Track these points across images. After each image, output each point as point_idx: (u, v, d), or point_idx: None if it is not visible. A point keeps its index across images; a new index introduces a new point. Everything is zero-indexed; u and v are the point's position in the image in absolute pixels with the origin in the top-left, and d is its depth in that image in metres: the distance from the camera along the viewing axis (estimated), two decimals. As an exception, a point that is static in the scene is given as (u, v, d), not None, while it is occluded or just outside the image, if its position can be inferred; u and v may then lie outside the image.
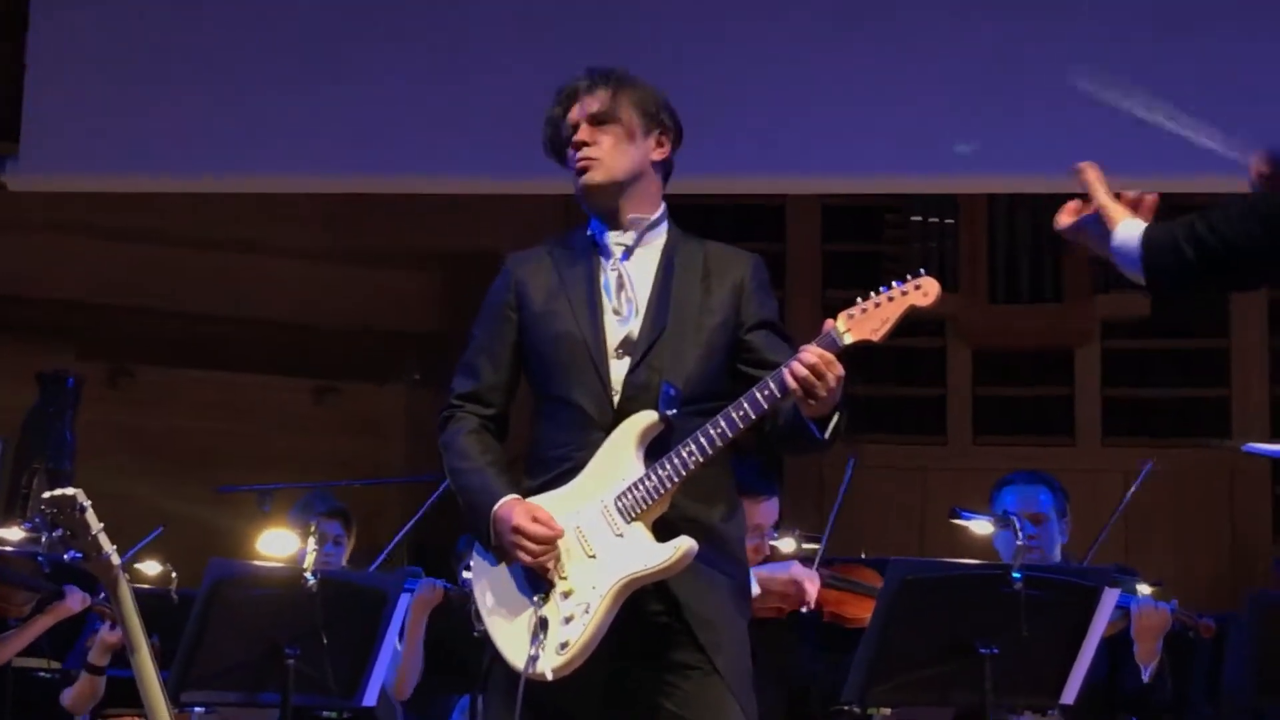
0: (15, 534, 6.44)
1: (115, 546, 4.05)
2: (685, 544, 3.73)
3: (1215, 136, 3.41)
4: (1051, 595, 4.99)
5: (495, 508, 3.84)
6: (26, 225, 9.68)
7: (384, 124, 8.35)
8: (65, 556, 4.13)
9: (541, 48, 7.99)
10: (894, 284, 3.76)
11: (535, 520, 3.79)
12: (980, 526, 5.85)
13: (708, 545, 3.78)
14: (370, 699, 5.53)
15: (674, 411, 3.79)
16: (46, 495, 4.02)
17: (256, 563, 5.83)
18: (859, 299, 3.75)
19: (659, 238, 4.02)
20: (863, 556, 6.12)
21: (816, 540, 5.90)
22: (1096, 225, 3.46)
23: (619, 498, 3.78)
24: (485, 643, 3.91)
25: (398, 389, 10.58)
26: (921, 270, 3.80)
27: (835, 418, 3.74)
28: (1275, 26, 7.79)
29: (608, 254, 3.98)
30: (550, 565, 3.79)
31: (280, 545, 6.14)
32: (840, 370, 3.67)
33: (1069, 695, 5.14)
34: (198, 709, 5.65)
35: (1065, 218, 3.54)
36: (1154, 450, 9.33)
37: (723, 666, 3.77)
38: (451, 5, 8.41)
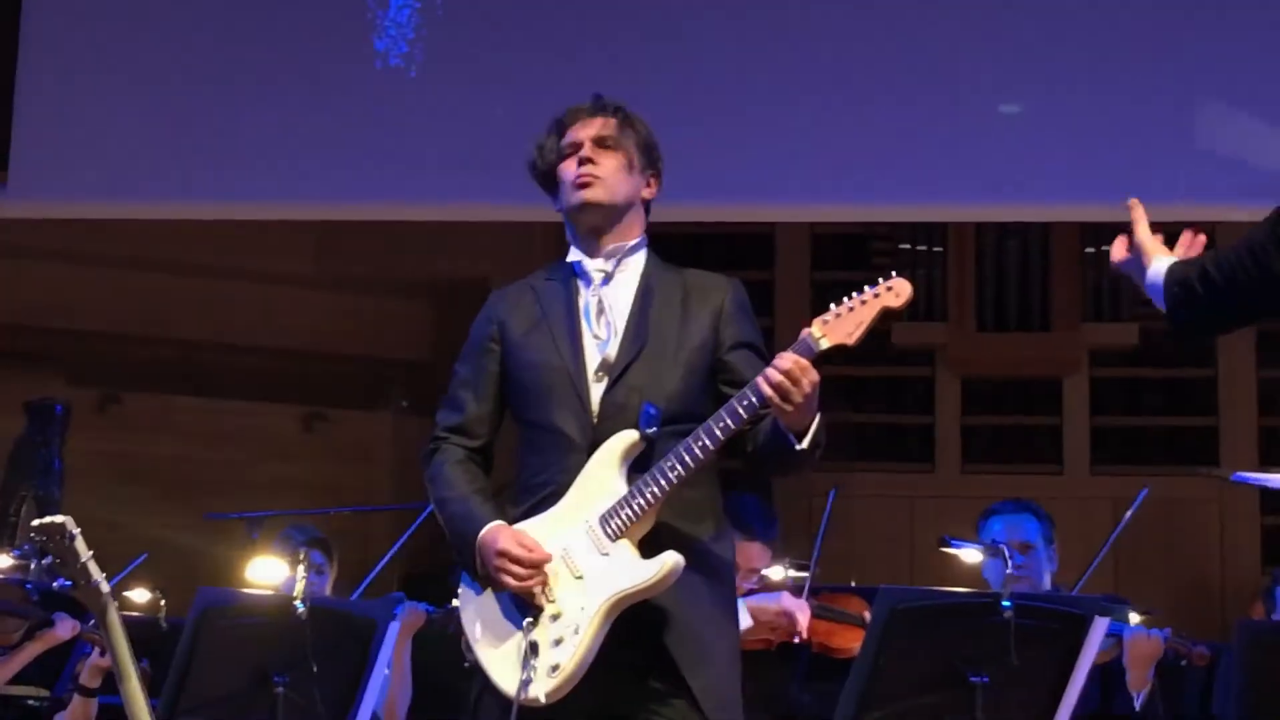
0: (4, 561, 6.42)
1: (104, 574, 4.04)
2: (671, 560, 3.73)
3: None
4: (1042, 624, 4.97)
5: (480, 535, 3.85)
6: (15, 253, 9.66)
7: (373, 151, 8.35)
8: (54, 584, 4.12)
9: (533, 77, 8.00)
10: (866, 288, 3.75)
11: (521, 545, 3.79)
12: (969, 555, 5.85)
13: (695, 565, 3.78)
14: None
15: (654, 430, 3.80)
16: (35, 523, 4.01)
17: (246, 590, 5.82)
18: (832, 304, 3.75)
19: (638, 263, 4.04)
20: (852, 585, 6.12)
21: (805, 568, 5.90)
22: (1135, 262, 3.49)
23: (604, 517, 3.79)
24: (475, 673, 3.91)
25: (386, 416, 10.58)
26: (893, 273, 3.79)
27: (814, 428, 3.74)
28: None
29: (588, 280, 4.01)
30: (538, 590, 3.79)
31: (269, 573, 6.13)
32: (816, 376, 3.68)
33: (1059, 724, 5.14)
34: (187, 736, 5.63)
35: (1118, 252, 3.57)
36: (1142, 479, 9.34)
37: (704, 690, 3.76)
38: (441, 33, 8.42)
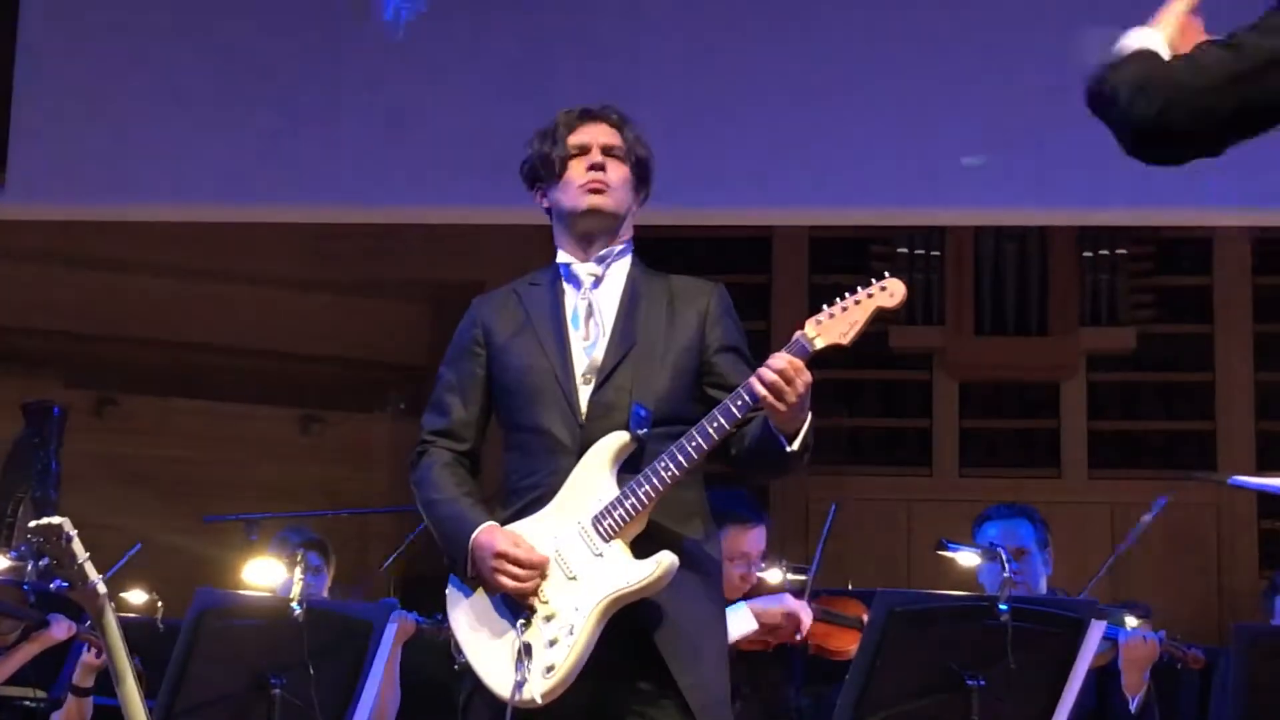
0: (1, 563, 6.42)
1: (101, 575, 4.04)
2: (666, 560, 3.73)
3: None
4: (1039, 627, 4.97)
5: (474, 536, 3.84)
6: (13, 255, 9.67)
7: (371, 154, 8.35)
8: (51, 585, 4.11)
9: (531, 81, 8.00)
10: (859, 288, 3.76)
11: (518, 546, 3.79)
12: (967, 558, 5.85)
13: (685, 565, 3.78)
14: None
15: (645, 431, 3.80)
16: (32, 524, 4.01)
17: (243, 592, 5.82)
18: (825, 305, 3.75)
19: (624, 267, 4.05)
20: (849, 588, 6.11)
21: (803, 571, 5.89)
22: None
23: (596, 518, 3.79)
24: (465, 675, 3.90)
25: (383, 418, 10.58)
26: (886, 273, 3.80)
27: (804, 430, 3.74)
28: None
29: (578, 284, 4.01)
30: (531, 593, 3.78)
31: (266, 575, 6.13)
32: (809, 377, 3.68)
33: (1056, 727, 5.14)
34: (183, 738, 5.62)
35: None
36: (1139, 483, 9.35)
37: (690, 690, 3.76)
38: (437, 37, 8.42)
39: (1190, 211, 8.51)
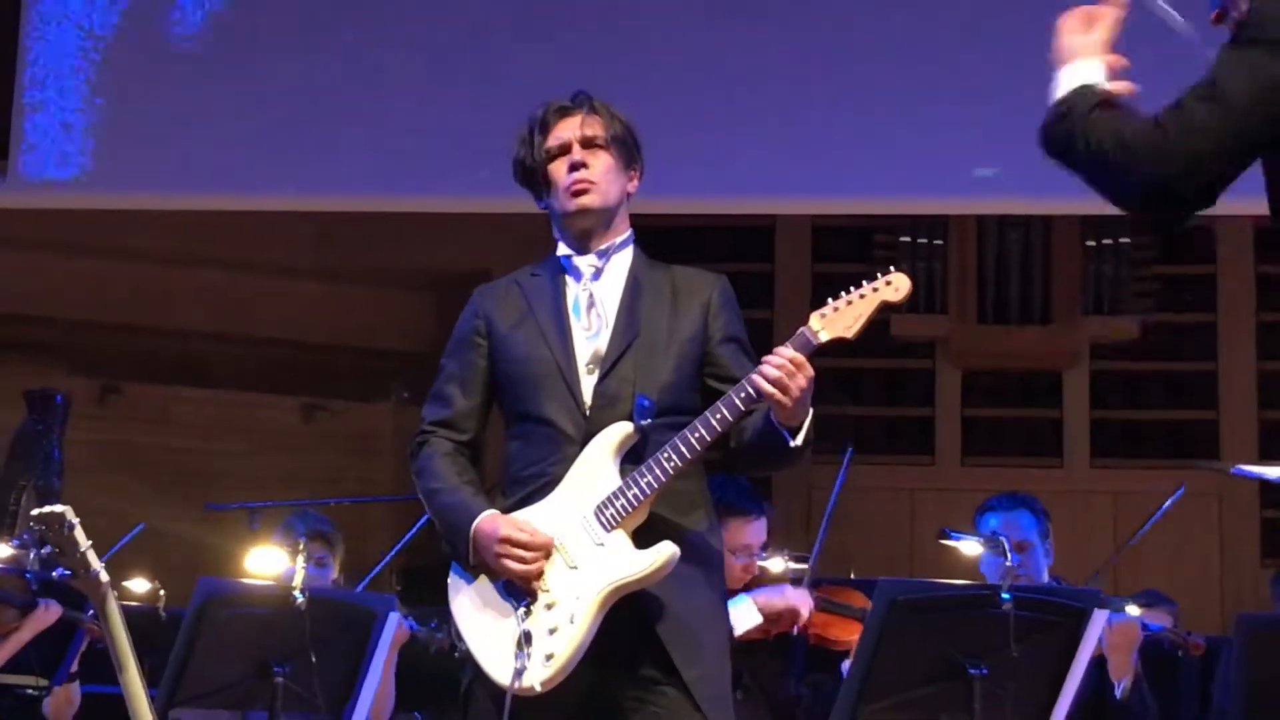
0: (3, 551, 6.42)
1: (102, 560, 4.04)
2: (668, 550, 3.74)
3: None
4: (1041, 616, 4.97)
5: (475, 523, 3.85)
6: (16, 243, 9.67)
7: (374, 143, 8.35)
8: (53, 573, 4.12)
9: (532, 69, 7.99)
10: (865, 282, 3.77)
11: (521, 530, 3.80)
12: (969, 547, 5.85)
13: (687, 556, 3.79)
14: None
15: (648, 422, 3.81)
16: (35, 512, 4.01)
17: (246, 581, 5.82)
18: (830, 299, 3.76)
19: (625, 258, 4.05)
20: (851, 577, 6.12)
21: (804, 560, 5.90)
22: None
23: (599, 508, 3.79)
24: (466, 663, 3.91)
25: (386, 407, 10.58)
26: (891, 267, 3.80)
27: (806, 424, 3.74)
28: None
29: (578, 275, 4.01)
30: (535, 576, 3.79)
31: (269, 563, 6.13)
32: (811, 372, 3.69)
33: (1058, 716, 5.13)
34: (186, 727, 5.63)
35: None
36: (1142, 473, 9.35)
37: (695, 682, 3.77)
38: (441, 25, 8.41)
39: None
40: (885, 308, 3.77)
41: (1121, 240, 10.38)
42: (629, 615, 3.77)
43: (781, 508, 8.62)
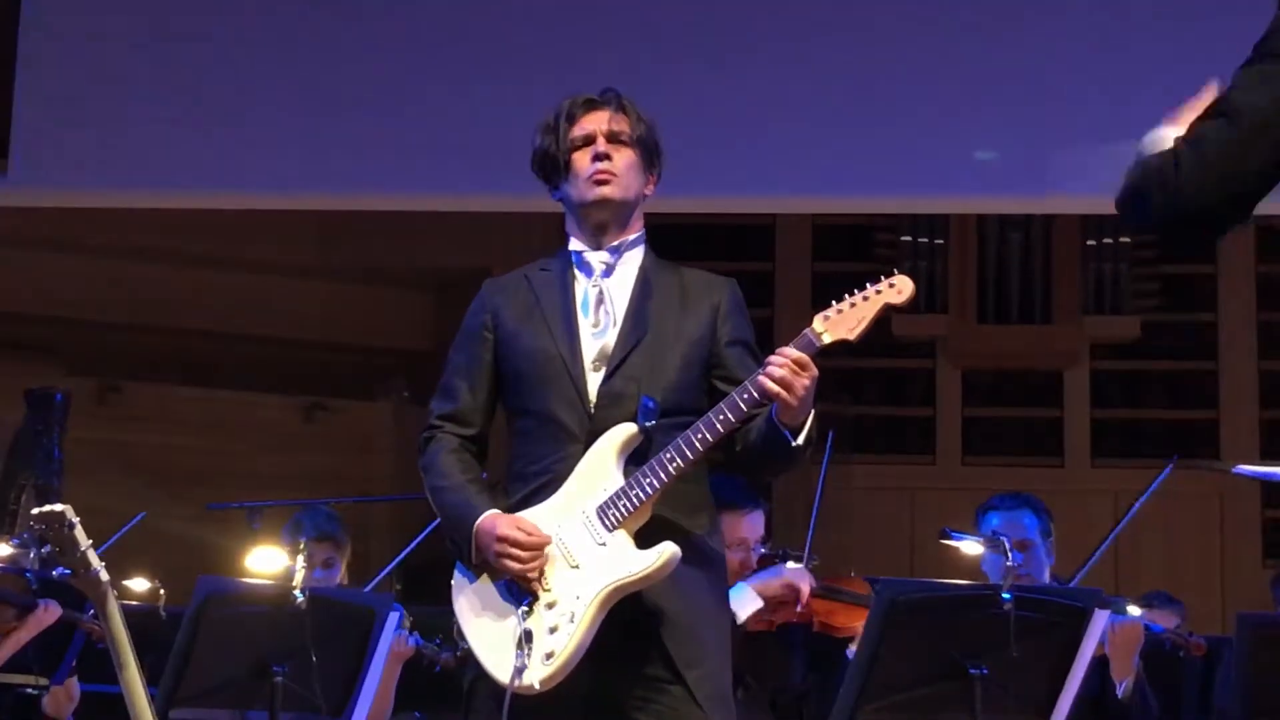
0: (3, 550, 6.42)
1: (102, 556, 4.04)
2: (669, 550, 3.74)
3: None
4: (1042, 616, 4.97)
5: (477, 522, 3.85)
6: (16, 241, 9.67)
7: (374, 141, 8.34)
8: (54, 573, 4.11)
9: (534, 67, 7.98)
10: (868, 284, 3.77)
11: (520, 529, 3.80)
12: (970, 547, 5.85)
13: (690, 558, 3.79)
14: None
15: (652, 423, 3.81)
16: (35, 511, 4.00)
17: (246, 580, 5.81)
18: (834, 301, 3.77)
19: (637, 257, 4.04)
20: (851, 576, 6.11)
21: (800, 560, 5.90)
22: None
23: (601, 508, 3.79)
24: (468, 662, 3.91)
25: (386, 406, 10.58)
26: (894, 270, 3.81)
27: (808, 425, 3.75)
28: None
29: (589, 271, 4.00)
30: (535, 576, 3.79)
31: (269, 562, 6.12)
32: (815, 372, 3.69)
33: (1059, 716, 5.13)
34: (186, 726, 5.62)
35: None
36: (1143, 472, 9.33)
37: (696, 682, 3.77)
38: (442, 23, 8.41)
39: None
40: (888, 310, 3.78)
41: (1122, 240, 10.39)
42: (632, 615, 3.77)
43: (782, 508, 8.62)
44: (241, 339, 10.39)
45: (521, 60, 8.14)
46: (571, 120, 4.01)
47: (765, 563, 5.78)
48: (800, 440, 3.74)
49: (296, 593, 5.24)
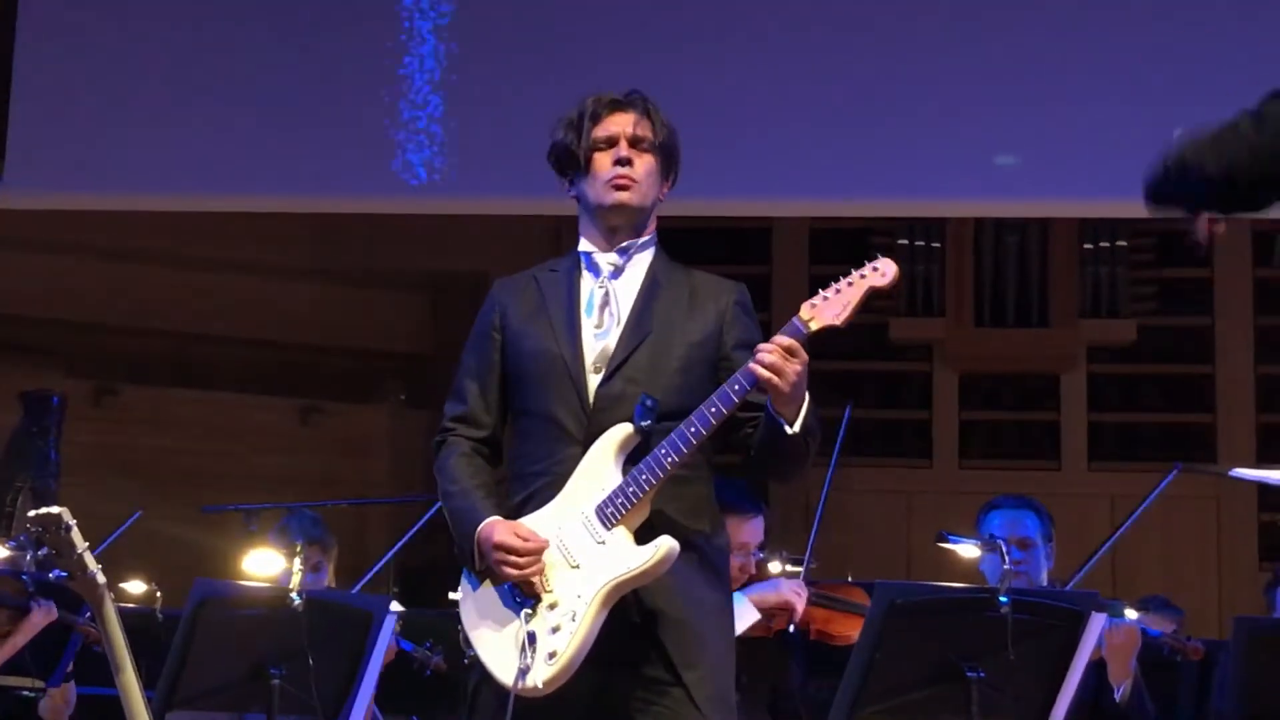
0: (0, 553, 6.42)
1: (98, 557, 4.04)
2: (666, 543, 3.74)
3: None
4: (1039, 619, 4.96)
5: (478, 530, 3.86)
6: (12, 244, 9.66)
7: (371, 145, 8.34)
8: (50, 575, 4.11)
9: (533, 71, 7.98)
10: (852, 270, 3.78)
11: (517, 535, 3.81)
12: (967, 550, 5.85)
13: (693, 560, 3.80)
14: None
15: (649, 424, 3.81)
16: (31, 514, 4.00)
17: (242, 582, 5.81)
18: (819, 289, 3.77)
19: (646, 258, 4.04)
20: (848, 580, 6.12)
21: (800, 562, 5.91)
22: None
23: (600, 507, 3.80)
24: (473, 666, 3.91)
25: (383, 409, 10.57)
26: (877, 254, 3.82)
27: (804, 412, 3.76)
28: None
29: (597, 272, 4.01)
30: (535, 579, 3.79)
31: (265, 565, 6.12)
32: (805, 358, 3.72)
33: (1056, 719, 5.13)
34: (183, 729, 5.62)
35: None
36: (1139, 476, 9.34)
37: (695, 683, 3.77)
38: (438, 26, 8.41)
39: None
40: (875, 293, 3.80)
41: (1119, 243, 10.39)
42: (634, 616, 3.78)
43: (780, 511, 8.62)
44: (238, 342, 10.39)
45: (522, 64, 8.15)
46: (596, 119, 4.00)
47: (762, 566, 5.78)
48: (796, 428, 3.74)
49: (293, 595, 5.24)
